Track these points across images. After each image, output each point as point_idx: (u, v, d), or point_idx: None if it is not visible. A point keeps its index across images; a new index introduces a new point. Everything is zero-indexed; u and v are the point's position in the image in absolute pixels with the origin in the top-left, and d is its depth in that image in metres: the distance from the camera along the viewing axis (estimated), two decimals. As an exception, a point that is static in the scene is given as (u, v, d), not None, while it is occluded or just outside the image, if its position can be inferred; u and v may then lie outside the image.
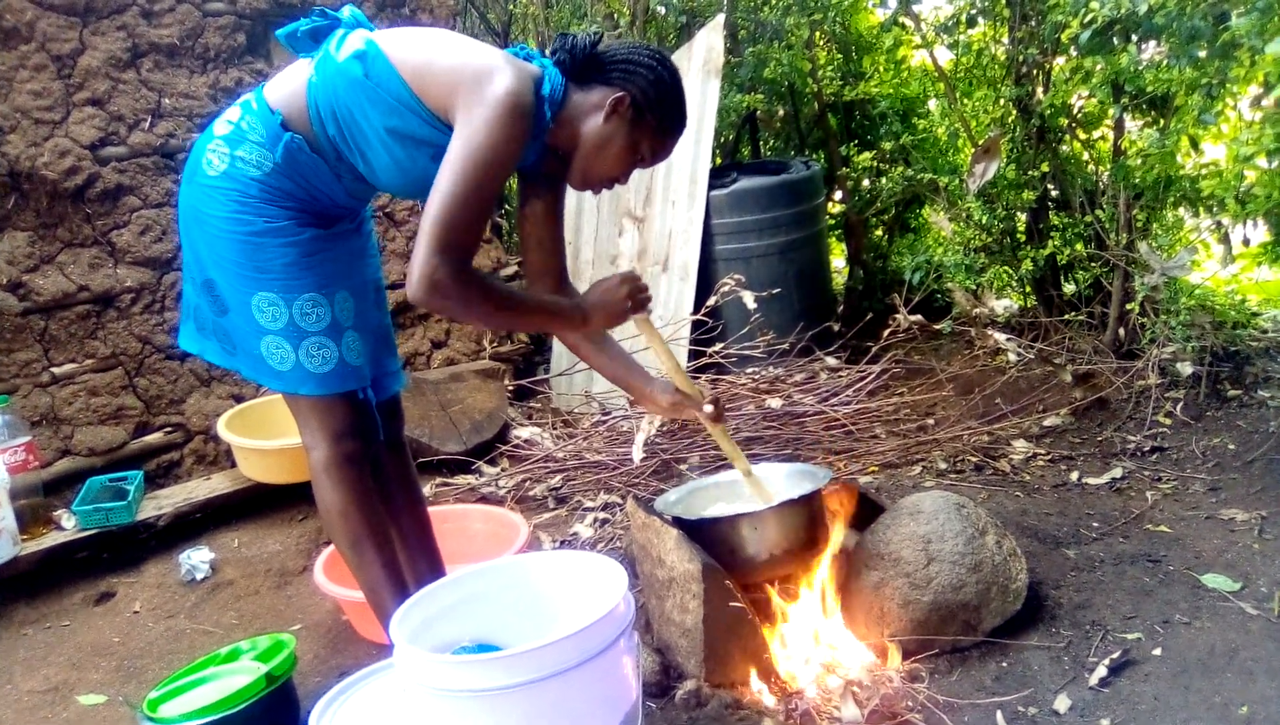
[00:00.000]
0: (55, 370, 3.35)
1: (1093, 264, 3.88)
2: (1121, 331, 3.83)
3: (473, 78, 1.89)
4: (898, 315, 3.83)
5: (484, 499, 3.38)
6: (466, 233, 1.85)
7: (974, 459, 3.36)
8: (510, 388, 4.18)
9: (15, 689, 2.64)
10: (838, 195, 5.15)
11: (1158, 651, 2.22)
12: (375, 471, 2.35)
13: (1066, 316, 4.01)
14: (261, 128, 2.03)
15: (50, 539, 3.06)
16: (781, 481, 2.52)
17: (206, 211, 2.06)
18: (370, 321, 2.26)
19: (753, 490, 2.39)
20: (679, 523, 2.29)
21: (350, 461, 2.20)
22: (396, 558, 2.32)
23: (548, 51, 2.07)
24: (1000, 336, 3.97)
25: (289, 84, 2.06)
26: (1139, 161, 3.55)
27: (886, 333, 3.85)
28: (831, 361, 3.91)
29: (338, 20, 2.09)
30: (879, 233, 5.30)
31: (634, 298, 2.12)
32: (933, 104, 4.98)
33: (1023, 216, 4.12)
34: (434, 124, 1.94)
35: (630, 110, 2.01)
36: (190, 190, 2.10)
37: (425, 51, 1.96)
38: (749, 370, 3.88)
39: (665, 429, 3.55)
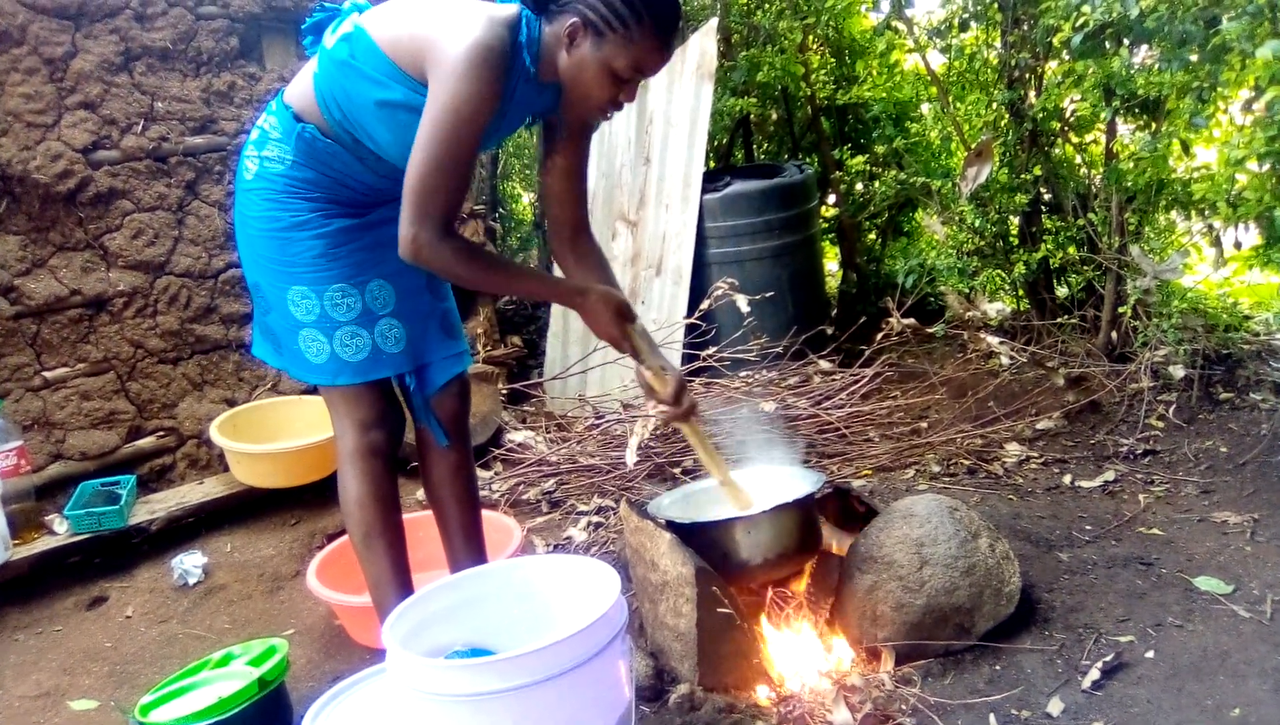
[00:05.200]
0: (47, 374, 3.34)
1: (1085, 267, 3.89)
2: (1114, 335, 3.84)
3: (439, 37, 1.90)
4: (891, 319, 3.83)
5: (477, 503, 3.37)
6: (443, 196, 1.90)
7: (967, 462, 3.37)
8: (504, 391, 4.17)
9: (6, 694, 2.63)
10: (831, 199, 5.16)
11: (1150, 654, 2.22)
12: (427, 457, 2.41)
13: (1059, 320, 4.02)
14: (280, 125, 2.11)
15: (42, 543, 3.06)
16: (775, 485, 2.51)
17: (247, 214, 2.16)
18: (420, 307, 2.28)
19: (731, 498, 2.39)
20: (672, 526, 2.29)
21: (374, 453, 2.26)
22: (405, 557, 2.35)
23: None
24: (993, 340, 3.97)
25: (301, 80, 2.13)
26: (1131, 165, 3.56)
27: (880, 336, 3.86)
28: (825, 365, 3.91)
29: (337, 10, 2.13)
30: (872, 236, 5.31)
31: (615, 338, 2.13)
32: (925, 108, 4.98)
33: (1015, 220, 4.12)
34: (416, 89, 1.96)
35: (587, 33, 1.93)
36: (236, 199, 2.20)
37: (401, 20, 1.99)
38: (742, 374, 3.89)
39: (659, 433, 3.55)
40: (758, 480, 2.57)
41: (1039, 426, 3.56)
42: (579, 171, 2.28)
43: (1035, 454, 3.40)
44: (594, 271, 2.30)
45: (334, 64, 2.03)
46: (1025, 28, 3.80)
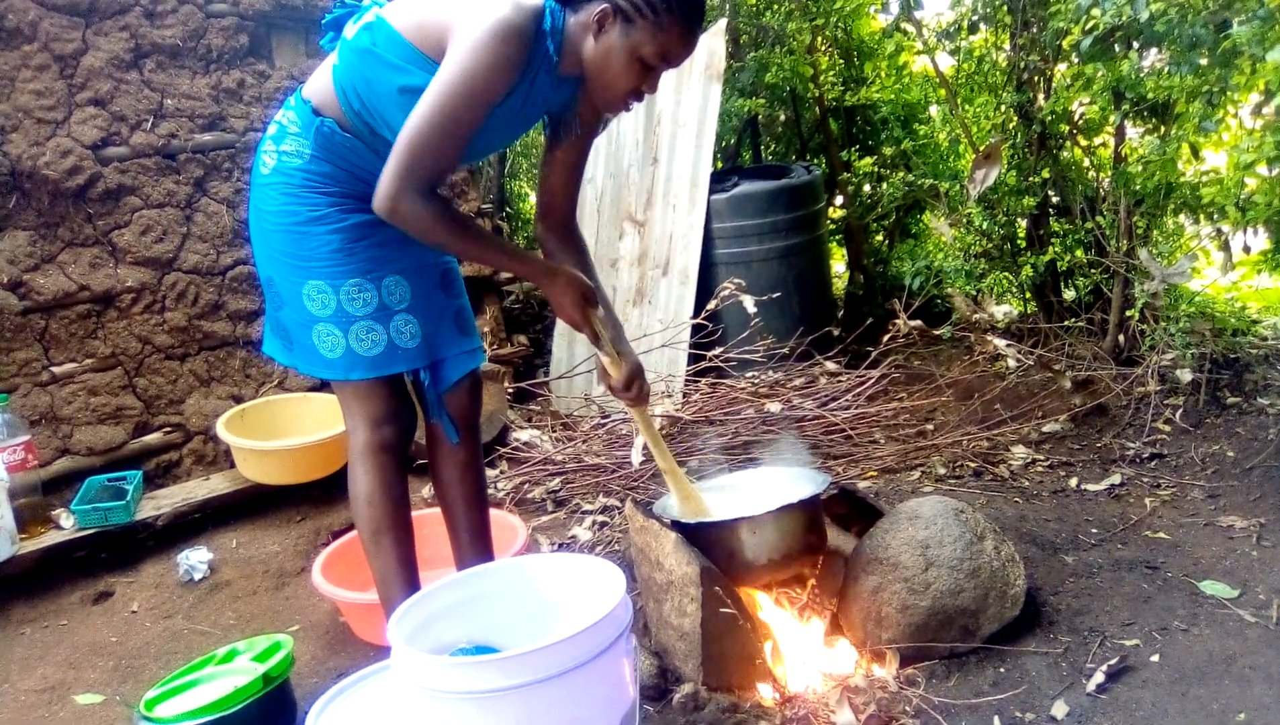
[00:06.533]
0: (55, 369, 3.35)
1: (1093, 270, 3.88)
2: (1121, 338, 3.83)
3: (463, 17, 1.92)
4: (897, 320, 3.82)
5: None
6: (433, 157, 1.91)
7: (973, 464, 3.36)
8: (510, 390, 4.18)
9: (12, 688, 2.64)
10: (838, 200, 5.16)
11: (1155, 658, 2.21)
12: (437, 454, 2.41)
13: (1066, 323, 4.01)
14: (299, 119, 2.12)
15: (49, 538, 3.07)
16: (781, 485, 2.51)
17: (263, 208, 2.16)
18: (434, 303, 2.29)
19: (674, 488, 2.39)
20: (677, 526, 2.29)
21: (385, 449, 2.26)
22: (413, 554, 2.36)
23: None
24: (1000, 342, 3.96)
25: (320, 75, 2.14)
26: (1140, 168, 3.55)
27: (886, 338, 3.85)
28: (831, 366, 3.90)
29: (356, 6, 2.14)
30: (879, 238, 5.30)
31: (577, 321, 2.14)
32: (934, 110, 4.97)
33: (1023, 222, 4.12)
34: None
35: (617, 20, 1.95)
36: (252, 194, 2.21)
37: (424, 7, 2.01)
38: (748, 374, 3.89)
39: (664, 433, 3.55)
40: (764, 481, 2.57)
41: (1045, 429, 3.55)
42: (580, 168, 2.32)
43: (1041, 457, 3.39)
44: (575, 261, 2.33)
45: (355, 53, 2.04)
46: (1034, 30, 3.79)
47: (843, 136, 5.21)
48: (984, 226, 3.97)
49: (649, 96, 2.12)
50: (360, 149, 2.12)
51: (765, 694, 2.17)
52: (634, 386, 2.24)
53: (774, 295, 4.00)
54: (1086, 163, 4.03)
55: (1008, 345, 3.94)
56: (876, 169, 4.60)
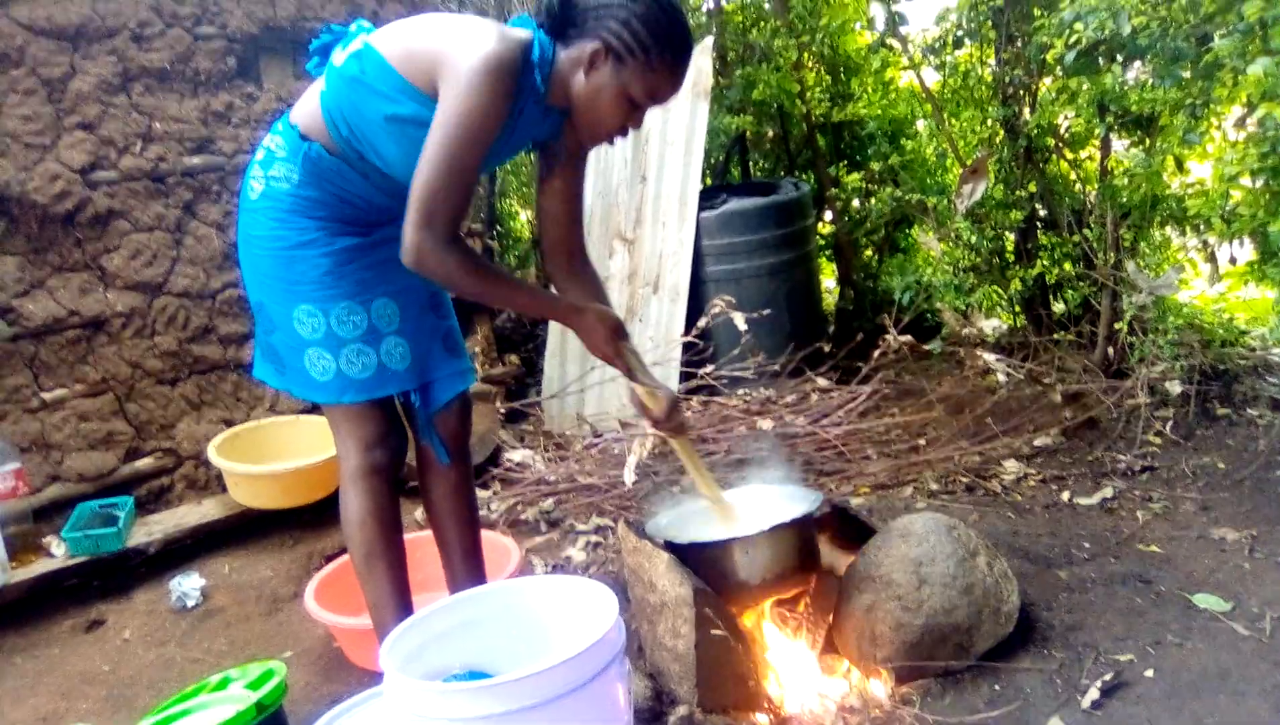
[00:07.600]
0: (45, 396, 3.34)
1: (1081, 283, 3.90)
2: (1110, 351, 3.85)
3: (452, 50, 1.92)
4: (888, 336, 3.83)
5: (476, 522, 3.36)
6: (449, 204, 1.91)
7: (965, 480, 3.36)
8: (502, 410, 4.17)
9: (4, 719, 2.62)
10: (827, 216, 5.17)
11: (1150, 673, 2.21)
12: (428, 475, 2.41)
13: (1055, 336, 4.02)
14: (286, 144, 2.13)
15: (39, 566, 3.05)
16: (773, 504, 2.51)
17: (252, 233, 2.16)
18: (424, 325, 2.29)
19: (721, 518, 2.38)
20: (670, 546, 2.29)
21: (376, 472, 2.26)
22: (406, 578, 2.35)
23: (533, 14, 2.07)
24: (990, 357, 3.97)
25: (308, 100, 2.15)
26: (1125, 181, 3.57)
27: (877, 353, 3.86)
28: (822, 382, 3.91)
29: (344, 33, 2.15)
30: (869, 253, 5.32)
31: (609, 356, 2.16)
32: (921, 125, 5.00)
33: (1011, 236, 4.14)
34: (426, 104, 1.96)
35: (608, 59, 1.96)
36: (241, 219, 2.21)
37: (411, 36, 2.01)
38: (740, 391, 3.89)
39: (657, 452, 3.55)
40: (756, 499, 2.57)
41: (1036, 443, 3.56)
42: (576, 194, 2.31)
43: (1033, 471, 3.39)
44: (589, 292, 2.31)
45: (343, 80, 2.04)
46: (1019, 45, 3.82)
47: (830, 152, 5.23)
48: (972, 241, 3.99)
49: None
50: (348, 173, 2.12)
51: (760, 715, 2.17)
52: (674, 416, 2.22)
53: (764, 312, 4.00)
54: (1073, 176, 4.06)
55: (998, 359, 3.96)
56: (864, 184, 4.62)
